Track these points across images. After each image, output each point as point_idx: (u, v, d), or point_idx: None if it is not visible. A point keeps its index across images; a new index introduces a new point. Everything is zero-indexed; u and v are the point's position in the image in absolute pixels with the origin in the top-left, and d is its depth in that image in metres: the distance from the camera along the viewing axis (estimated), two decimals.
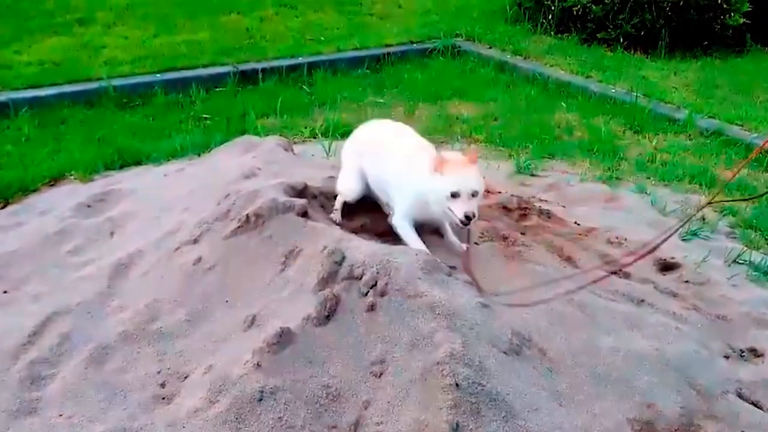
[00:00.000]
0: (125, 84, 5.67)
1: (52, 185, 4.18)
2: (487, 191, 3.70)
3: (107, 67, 6.01)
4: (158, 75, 5.90)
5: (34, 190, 4.10)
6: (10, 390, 2.44)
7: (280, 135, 4.64)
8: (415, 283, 2.42)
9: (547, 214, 3.49)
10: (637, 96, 5.74)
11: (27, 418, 2.33)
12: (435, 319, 2.32)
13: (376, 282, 2.43)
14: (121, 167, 4.43)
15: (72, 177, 4.24)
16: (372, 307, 2.40)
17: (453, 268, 2.71)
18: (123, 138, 4.80)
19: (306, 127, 5.04)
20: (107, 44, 6.65)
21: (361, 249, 2.56)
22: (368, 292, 2.43)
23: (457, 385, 2.13)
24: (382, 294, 2.41)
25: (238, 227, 2.84)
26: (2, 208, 3.90)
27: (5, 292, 3.01)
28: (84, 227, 3.44)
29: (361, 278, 2.46)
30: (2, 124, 5.01)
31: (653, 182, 4.47)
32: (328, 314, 2.41)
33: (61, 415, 2.33)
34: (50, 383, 2.47)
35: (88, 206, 3.71)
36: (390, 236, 2.97)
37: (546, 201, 3.88)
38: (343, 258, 2.52)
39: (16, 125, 4.99)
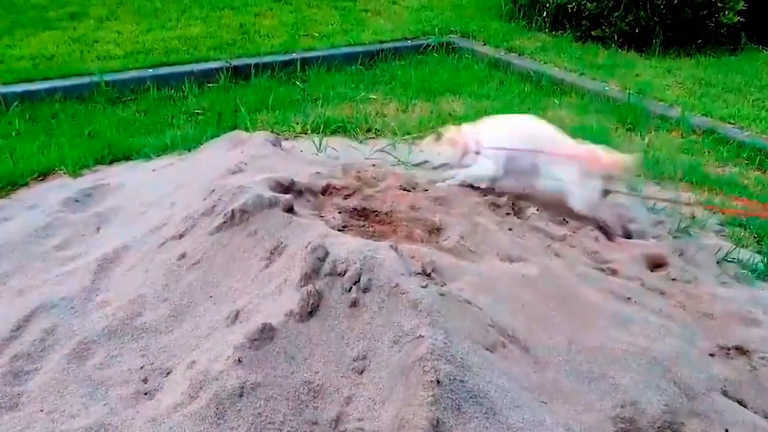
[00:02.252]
0: (117, 79, 5.63)
1: (41, 180, 4.15)
2: (475, 187, 3.70)
3: (99, 61, 5.98)
4: (151, 70, 5.85)
5: (23, 185, 4.07)
6: None
7: (272, 131, 4.64)
8: (398, 279, 2.42)
9: (536, 210, 3.49)
10: (630, 94, 5.72)
11: (8, 413, 2.31)
12: (417, 315, 2.32)
13: (359, 278, 2.42)
14: (111, 162, 4.40)
15: (61, 172, 4.22)
16: (354, 304, 2.40)
17: None
18: (114, 133, 4.77)
19: (297, 123, 5.02)
20: (100, 39, 6.61)
21: (345, 245, 2.55)
22: (351, 288, 2.42)
23: (438, 381, 2.12)
24: (365, 290, 2.41)
25: (224, 223, 2.83)
26: None
27: None
28: (71, 222, 3.43)
29: (344, 274, 2.45)
30: None
31: (644, 179, 4.45)
32: (310, 310, 2.40)
33: (42, 411, 2.31)
34: (32, 378, 2.45)
35: (77, 201, 3.70)
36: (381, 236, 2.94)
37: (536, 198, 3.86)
38: (327, 254, 2.51)
39: (7, 119, 4.96)
